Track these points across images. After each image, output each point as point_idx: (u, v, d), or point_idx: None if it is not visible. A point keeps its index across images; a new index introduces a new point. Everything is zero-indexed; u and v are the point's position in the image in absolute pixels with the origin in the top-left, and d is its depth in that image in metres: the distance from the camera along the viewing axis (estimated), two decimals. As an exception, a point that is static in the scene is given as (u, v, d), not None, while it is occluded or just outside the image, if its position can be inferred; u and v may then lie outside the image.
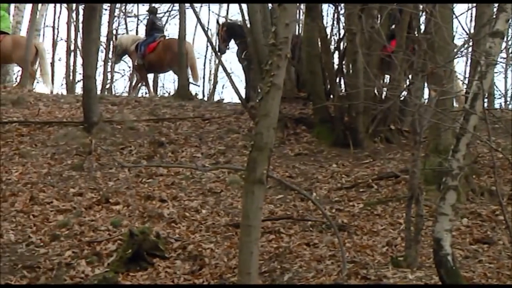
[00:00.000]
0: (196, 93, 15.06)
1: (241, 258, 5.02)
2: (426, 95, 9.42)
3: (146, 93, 18.12)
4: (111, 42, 15.74)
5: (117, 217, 7.99)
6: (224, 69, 12.72)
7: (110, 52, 16.62)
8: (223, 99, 14.43)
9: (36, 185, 9.01)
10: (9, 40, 14.27)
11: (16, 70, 19.27)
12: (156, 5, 21.46)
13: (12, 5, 18.34)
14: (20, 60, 14.30)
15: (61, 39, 22.77)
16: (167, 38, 15.59)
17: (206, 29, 13.96)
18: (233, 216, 8.02)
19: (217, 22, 14.46)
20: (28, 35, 16.13)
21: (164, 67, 15.05)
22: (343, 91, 10.95)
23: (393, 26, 10.92)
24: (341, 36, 11.20)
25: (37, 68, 14.64)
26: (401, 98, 9.04)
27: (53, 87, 15.39)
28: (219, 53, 14.21)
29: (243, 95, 12.28)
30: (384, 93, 10.55)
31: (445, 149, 7.93)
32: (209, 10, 22.36)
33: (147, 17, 15.78)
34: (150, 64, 14.79)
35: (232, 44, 14.17)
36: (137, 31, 23.42)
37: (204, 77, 22.70)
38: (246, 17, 11.76)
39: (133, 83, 15.97)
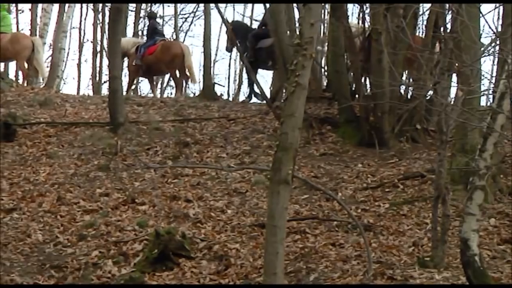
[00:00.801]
0: (221, 94, 15.11)
1: (267, 258, 5.02)
2: (452, 94, 9.36)
3: (171, 93, 18.22)
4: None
5: (143, 217, 8.04)
6: (249, 69, 12.74)
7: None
8: (248, 99, 14.42)
9: (63, 185, 9.08)
10: (8, 36, 14.45)
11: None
12: (182, 5, 21.61)
13: (40, 7, 18.55)
14: (16, 55, 14.50)
15: (87, 41, 23.01)
16: (165, 42, 15.54)
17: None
18: (258, 216, 8.02)
19: (227, 20, 14.55)
20: (55, 36, 16.32)
21: (163, 69, 15.09)
22: (369, 90, 10.91)
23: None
24: (366, 36, 11.15)
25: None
26: (427, 98, 8.98)
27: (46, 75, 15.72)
28: (226, 52, 14.40)
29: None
30: (410, 92, 10.50)
31: (472, 149, 7.86)
32: (234, 10, 22.41)
33: (148, 23, 15.87)
34: (148, 66, 14.85)
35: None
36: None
37: (229, 78, 22.78)
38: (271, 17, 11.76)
39: (151, 86, 16.04)
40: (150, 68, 14.87)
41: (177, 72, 14.67)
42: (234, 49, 14.67)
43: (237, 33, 13.75)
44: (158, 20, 16.55)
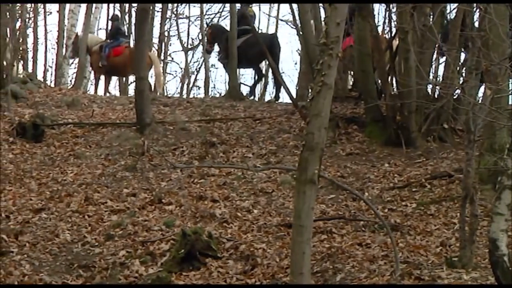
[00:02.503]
0: (247, 94, 15.14)
1: (293, 258, 5.01)
2: (480, 93, 9.29)
3: (198, 94, 18.33)
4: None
5: (170, 217, 8.07)
6: (275, 69, 12.75)
7: (63, 48, 17.12)
8: (274, 99, 14.43)
9: (90, 185, 9.15)
10: None
11: (71, 73, 19.64)
12: (208, 6, 21.65)
13: (67, 9, 18.70)
14: None
15: (114, 42, 23.06)
16: (132, 46, 16.18)
17: (257, 29, 14.00)
18: (284, 216, 8.02)
19: (206, 24, 15.63)
20: (82, 37, 16.44)
21: (128, 72, 15.89)
22: (395, 89, 10.85)
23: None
24: (392, 35, 11.10)
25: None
26: (455, 97, 8.92)
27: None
28: (206, 54, 15.48)
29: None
30: (437, 91, 10.42)
31: (500, 148, 7.79)
32: (259, 10, 22.34)
33: (112, 24, 16.44)
34: (113, 67, 15.42)
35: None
36: (188, 32, 23.68)
37: (255, 78, 22.78)
38: (297, 17, 11.77)
39: (107, 84, 16.44)
40: (114, 68, 15.46)
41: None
42: (212, 50, 15.58)
43: (216, 36, 14.62)
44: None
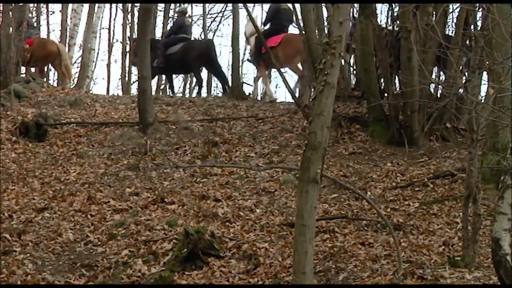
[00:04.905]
0: (249, 93, 15.16)
1: (296, 257, 5.02)
2: (483, 92, 9.26)
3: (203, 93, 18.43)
4: None
5: (172, 217, 8.07)
6: (278, 69, 12.74)
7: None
8: (276, 99, 14.42)
9: (93, 185, 9.16)
10: None
11: (73, 72, 19.68)
12: (210, 5, 21.65)
13: (70, 8, 18.72)
14: None
15: (117, 41, 23.14)
16: (41, 37, 16.73)
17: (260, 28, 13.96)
18: (287, 215, 8.02)
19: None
20: (85, 37, 16.50)
21: (36, 62, 16.14)
22: (398, 89, 10.84)
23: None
24: (395, 34, 11.08)
25: None
26: (458, 96, 8.90)
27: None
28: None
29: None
30: (440, 90, 10.41)
31: (503, 147, 7.79)
32: (262, 10, 22.34)
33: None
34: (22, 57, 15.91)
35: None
36: (190, 31, 23.62)
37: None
38: (299, 16, 11.76)
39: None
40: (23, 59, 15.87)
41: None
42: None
43: None
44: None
